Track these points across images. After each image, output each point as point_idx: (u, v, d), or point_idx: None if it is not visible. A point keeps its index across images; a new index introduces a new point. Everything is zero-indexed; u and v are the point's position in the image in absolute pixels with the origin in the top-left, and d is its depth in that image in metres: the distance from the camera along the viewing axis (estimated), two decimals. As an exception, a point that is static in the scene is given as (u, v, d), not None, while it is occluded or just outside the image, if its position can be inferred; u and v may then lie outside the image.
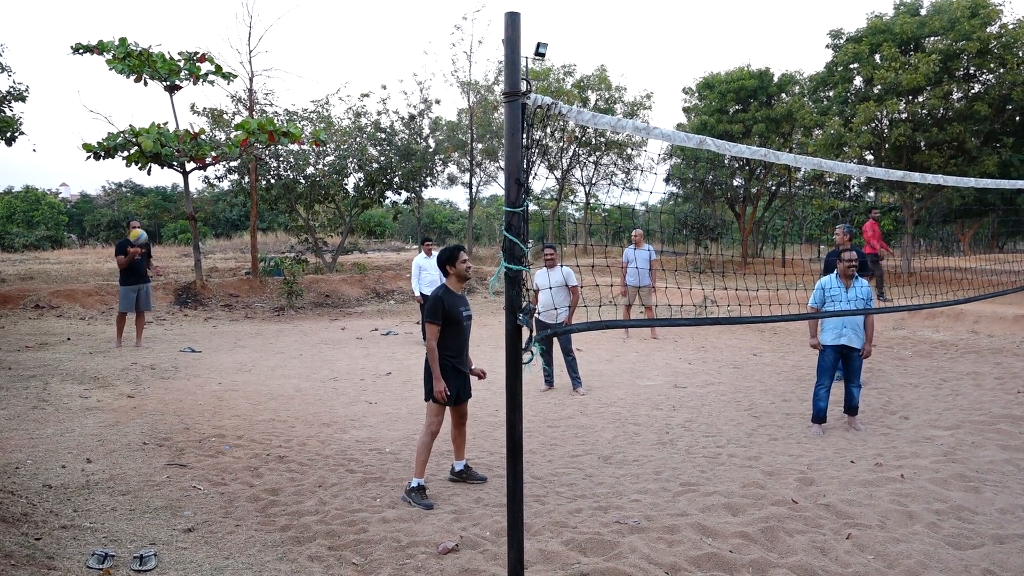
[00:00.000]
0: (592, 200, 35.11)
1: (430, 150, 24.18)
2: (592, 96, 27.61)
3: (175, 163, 16.39)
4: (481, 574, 3.81)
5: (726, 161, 26.56)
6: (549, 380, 8.85)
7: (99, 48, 15.70)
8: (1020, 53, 17.13)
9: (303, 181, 22.37)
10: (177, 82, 16.60)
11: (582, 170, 31.84)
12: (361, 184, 23.48)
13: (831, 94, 21.03)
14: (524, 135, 3.09)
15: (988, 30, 17.18)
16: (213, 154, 16.81)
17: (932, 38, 18.11)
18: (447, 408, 5.16)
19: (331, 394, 8.45)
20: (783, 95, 25.40)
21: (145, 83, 16.31)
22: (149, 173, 16.11)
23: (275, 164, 21.99)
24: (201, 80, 16.91)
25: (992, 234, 32.58)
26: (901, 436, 6.38)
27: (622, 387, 8.84)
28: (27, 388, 8.00)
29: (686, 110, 27.75)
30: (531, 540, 4.17)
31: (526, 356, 3.22)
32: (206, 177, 22.29)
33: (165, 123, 15.94)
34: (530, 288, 5.39)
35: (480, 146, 26.94)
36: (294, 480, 5.37)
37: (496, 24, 24.64)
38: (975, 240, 33.17)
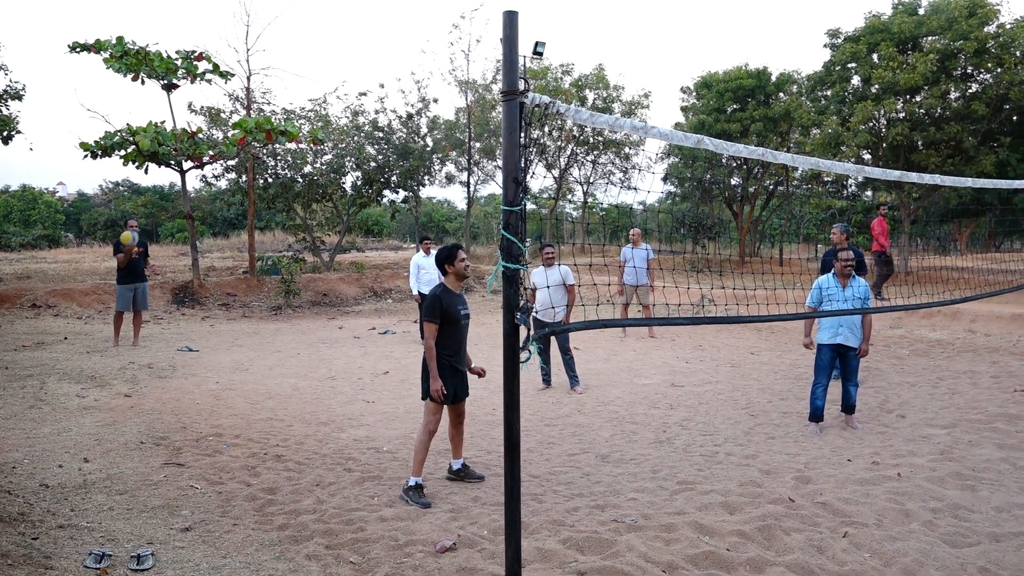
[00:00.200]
0: (590, 199, 35.12)
1: (428, 149, 24.16)
2: (590, 95, 27.60)
3: (172, 162, 16.36)
4: (479, 573, 3.81)
5: (724, 160, 26.57)
6: (547, 379, 8.85)
7: (96, 47, 15.67)
8: (1018, 53, 17.14)
9: (301, 180, 22.35)
10: (174, 81, 16.57)
11: (580, 169, 31.84)
12: (359, 183, 23.46)
13: (829, 93, 21.04)
14: (522, 134, 3.09)
15: (986, 30, 17.20)
16: (210, 153, 16.77)
17: (930, 38, 18.13)
18: (445, 407, 5.17)
19: (329, 393, 8.45)
20: (781, 94, 25.42)
21: (142, 82, 16.29)
22: (146, 172, 16.07)
23: (273, 163, 21.97)
24: (199, 79, 16.88)
25: (989, 233, 32.64)
26: (898, 435, 6.39)
27: (620, 386, 8.85)
28: (24, 387, 7.99)
29: (684, 109, 27.76)
30: (529, 538, 4.17)
31: (524, 355, 3.22)
32: (203, 176, 22.29)
33: (162, 122, 15.92)
34: (528, 287, 5.40)
35: (478, 145, 26.92)
36: (292, 479, 5.37)
37: (494, 23, 24.69)
38: (972, 239, 33.24)
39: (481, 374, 5.37)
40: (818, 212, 29.65)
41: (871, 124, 18.91)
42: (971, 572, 3.76)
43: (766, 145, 24.00)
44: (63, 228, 43.47)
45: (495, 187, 33.42)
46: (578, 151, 29.53)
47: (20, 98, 18.08)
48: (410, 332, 13.51)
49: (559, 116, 3.12)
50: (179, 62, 16.45)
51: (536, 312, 8.34)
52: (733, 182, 28.19)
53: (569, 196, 36.55)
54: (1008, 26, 17.28)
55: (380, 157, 23.06)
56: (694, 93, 27.08)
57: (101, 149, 15.15)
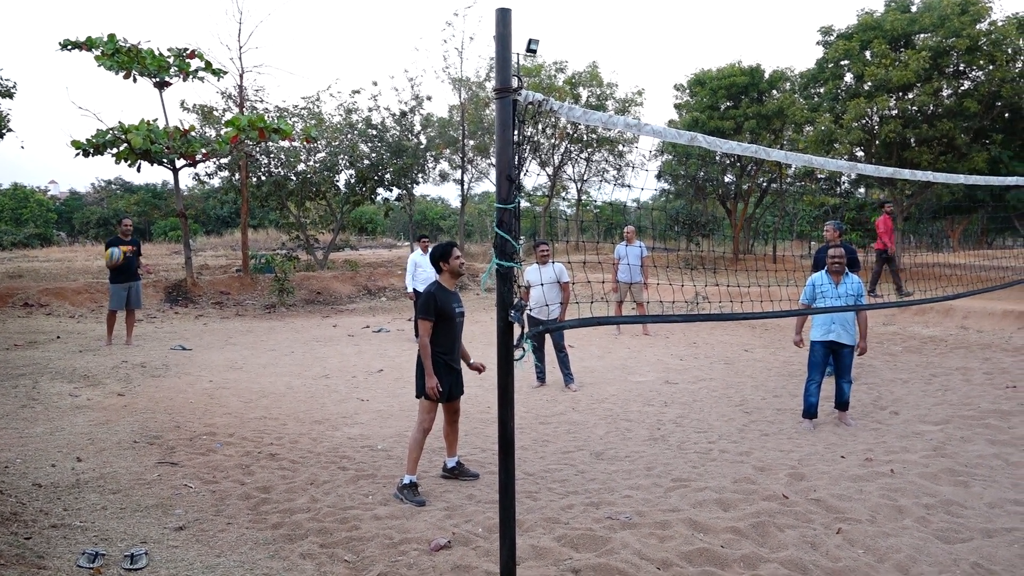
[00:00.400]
0: (584, 197, 35.14)
1: (421, 147, 24.12)
2: (583, 93, 27.59)
3: (165, 160, 16.29)
4: (473, 570, 3.81)
5: (717, 158, 26.61)
6: (541, 376, 8.85)
7: (88, 44, 15.58)
8: (1009, 50, 17.21)
9: (294, 178, 22.29)
10: (167, 79, 16.50)
11: (574, 167, 31.84)
12: (352, 181, 23.41)
13: (822, 91, 21.09)
14: (515, 131, 3.09)
15: (978, 27, 17.26)
16: (203, 151, 16.71)
17: (922, 35, 18.18)
18: (439, 405, 5.16)
19: (323, 391, 8.43)
20: (774, 92, 25.47)
21: (134, 80, 16.21)
22: (139, 170, 16.00)
23: (266, 161, 21.90)
24: (191, 76, 16.82)
25: (981, 230, 32.78)
26: (891, 431, 6.42)
27: (614, 383, 8.86)
28: (16, 387, 7.95)
29: (677, 107, 27.78)
30: (523, 536, 4.17)
31: (518, 352, 3.22)
32: (196, 174, 22.18)
33: (155, 120, 15.85)
34: (521, 284, 5.39)
35: (472, 143, 26.89)
36: (286, 478, 5.36)
37: (487, 20, 24.59)
38: (964, 236, 33.37)
39: (481, 369, 5.36)
40: (811, 209, 29.73)
41: (864, 121, 18.96)
42: (964, 568, 3.77)
43: (759, 142, 24.05)
44: (55, 227, 43.27)
45: (489, 185, 33.37)
46: (572, 149, 29.52)
47: (11, 96, 17.98)
48: (404, 330, 13.50)
49: (553, 113, 3.12)
50: (171, 60, 16.38)
51: (531, 310, 8.34)
52: (727, 179, 28.23)
53: (563, 194, 36.56)
54: (1000, 23, 17.35)
55: (374, 155, 23.01)
56: (687, 90, 27.11)
57: (93, 147, 15.08)
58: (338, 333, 13.29)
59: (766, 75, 25.54)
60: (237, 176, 20.82)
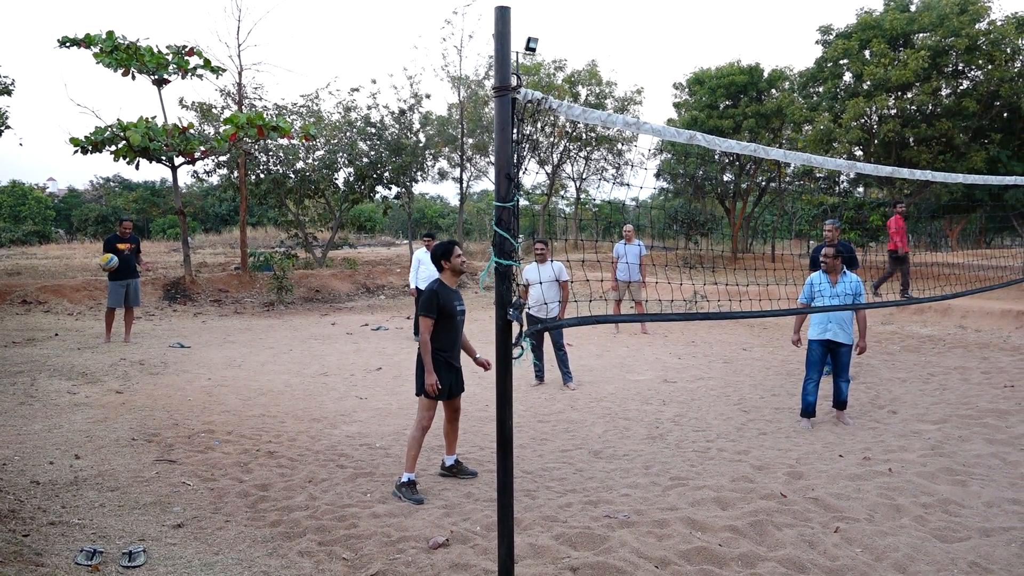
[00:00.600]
0: (583, 195, 35.14)
1: (420, 145, 24.10)
2: (583, 91, 27.58)
3: (163, 157, 16.27)
4: (471, 568, 3.81)
5: (716, 156, 26.62)
6: (539, 375, 8.86)
7: (86, 41, 15.55)
8: (1008, 50, 17.24)
9: (293, 176, 22.27)
10: (165, 76, 16.46)
11: (572, 165, 31.84)
12: (351, 179, 23.39)
13: (821, 90, 21.11)
14: (514, 130, 3.08)
15: (977, 27, 17.28)
16: (202, 148, 16.68)
17: (921, 34, 18.20)
18: (440, 403, 5.17)
19: (321, 389, 8.43)
20: (773, 91, 25.47)
21: (133, 77, 16.17)
22: (137, 168, 16.00)
23: (264, 159, 21.88)
24: (189, 74, 16.78)
25: (980, 230, 32.79)
26: (889, 430, 6.42)
27: (612, 382, 8.86)
28: (15, 384, 7.94)
29: (676, 105, 27.77)
30: (521, 534, 4.17)
31: (516, 351, 3.22)
32: (195, 172, 22.17)
33: (153, 117, 15.81)
34: (520, 283, 5.39)
35: (470, 141, 26.88)
36: (284, 475, 5.36)
37: (486, 19, 24.54)
38: (963, 236, 33.38)
39: (487, 367, 5.34)
40: (810, 208, 29.74)
41: (863, 120, 18.98)
42: (961, 567, 3.78)
43: (758, 141, 24.05)
44: (53, 224, 43.21)
45: (488, 183, 33.39)
46: (571, 147, 29.52)
47: (9, 93, 17.92)
48: (403, 328, 13.49)
49: (552, 112, 3.12)
50: (170, 57, 16.34)
51: (529, 308, 8.34)
52: (726, 178, 28.24)
53: (562, 192, 36.57)
54: (999, 23, 17.38)
55: (372, 153, 22.99)
56: (687, 89, 27.10)
57: (91, 144, 15.05)
58: (337, 331, 13.28)
59: (765, 74, 25.54)
60: (236, 174, 20.80)
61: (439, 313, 4.97)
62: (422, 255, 11.72)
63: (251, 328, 13.54)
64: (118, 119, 15.23)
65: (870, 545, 4.02)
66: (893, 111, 18.69)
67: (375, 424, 6.95)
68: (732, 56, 68.42)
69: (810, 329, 6.85)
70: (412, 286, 11.79)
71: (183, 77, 16.78)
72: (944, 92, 18.28)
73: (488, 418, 7.07)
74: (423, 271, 11.58)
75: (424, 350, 4.96)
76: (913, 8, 18.97)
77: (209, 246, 32.51)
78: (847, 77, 20.03)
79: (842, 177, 25.80)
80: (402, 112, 23.65)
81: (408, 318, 14.70)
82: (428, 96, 24.69)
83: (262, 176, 21.83)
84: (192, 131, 16.72)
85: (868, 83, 18.39)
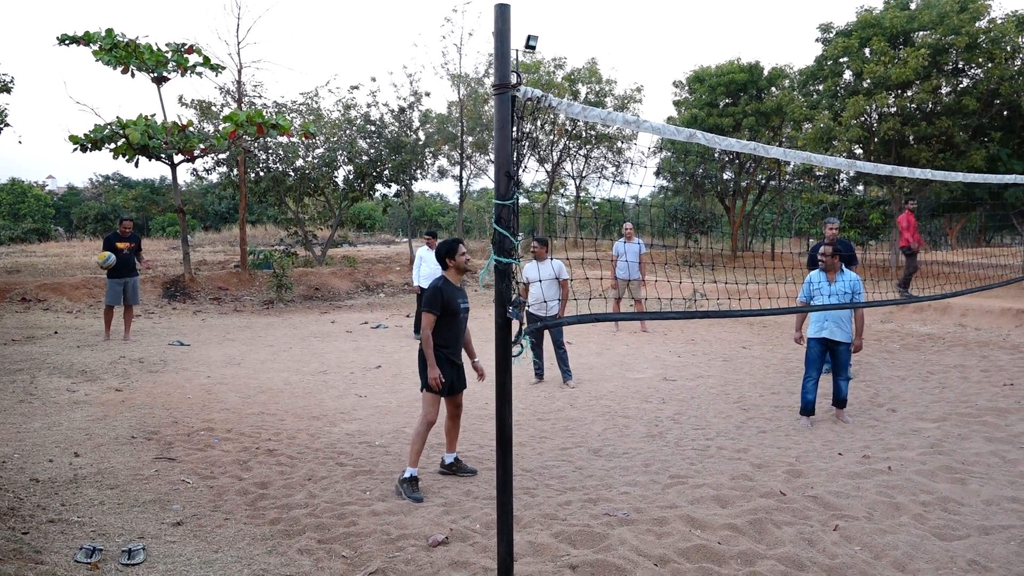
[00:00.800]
0: (582, 193, 35.12)
1: (420, 143, 24.10)
2: (582, 89, 27.56)
3: (163, 155, 16.26)
4: (471, 566, 3.81)
5: (716, 155, 26.61)
6: (539, 373, 8.86)
7: (85, 39, 15.54)
8: (1008, 48, 17.22)
9: (292, 174, 22.27)
10: (164, 74, 16.46)
11: (572, 163, 31.83)
12: (351, 177, 23.39)
13: (821, 88, 21.09)
14: (514, 128, 3.08)
15: (977, 25, 17.27)
16: (201, 146, 16.68)
17: (921, 32, 18.18)
18: (442, 399, 5.18)
19: (321, 387, 8.43)
20: (773, 89, 25.47)
21: (132, 75, 16.16)
22: (137, 165, 16.07)
23: (264, 156, 21.87)
24: (189, 72, 16.77)
25: (980, 228, 32.80)
26: (888, 428, 6.43)
27: (612, 380, 8.86)
28: (14, 382, 7.94)
29: (676, 104, 27.77)
30: (521, 532, 4.17)
31: (516, 349, 3.22)
32: (194, 170, 22.19)
33: (153, 115, 15.81)
34: (520, 281, 5.39)
35: (470, 139, 26.87)
36: (283, 473, 5.36)
37: (486, 16, 24.53)
38: (963, 234, 33.39)
39: (481, 375, 5.37)
40: (810, 207, 29.74)
41: (863, 119, 18.96)
42: (960, 565, 3.78)
43: (758, 140, 24.05)
44: (53, 222, 43.22)
45: (487, 181, 33.38)
46: (571, 145, 29.50)
47: (8, 91, 17.90)
48: (402, 326, 13.49)
49: (551, 110, 3.11)
50: (169, 55, 16.33)
51: (529, 306, 8.34)
52: (725, 176, 28.24)
53: (561, 190, 36.54)
54: (999, 21, 17.36)
55: (372, 151, 22.98)
56: (686, 87, 27.10)
57: (91, 142, 15.05)
58: (336, 329, 13.28)
59: (765, 72, 25.54)
60: (235, 172, 20.79)
61: (442, 310, 5.02)
62: (424, 253, 11.71)
63: (251, 326, 13.53)
64: (117, 117, 15.23)
65: (869, 543, 4.03)
66: (893, 109, 18.68)
67: (374, 422, 6.95)
68: (732, 54, 68.31)
69: (809, 327, 6.86)
70: (415, 284, 11.80)
71: (182, 75, 16.78)
72: (944, 90, 18.27)
73: (488, 416, 7.08)
74: (425, 269, 11.57)
75: (426, 345, 4.99)
76: (913, 6, 18.95)
77: (209, 244, 32.49)
78: (847, 75, 20.02)
79: (842, 175, 25.82)
80: (402, 110, 23.64)
81: (408, 316, 14.70)
82: (428, 94, 24.69)
83: (262, 174, 21.83)
84: (191, 129, 16.73)
85: (868, 81, 18.37)
